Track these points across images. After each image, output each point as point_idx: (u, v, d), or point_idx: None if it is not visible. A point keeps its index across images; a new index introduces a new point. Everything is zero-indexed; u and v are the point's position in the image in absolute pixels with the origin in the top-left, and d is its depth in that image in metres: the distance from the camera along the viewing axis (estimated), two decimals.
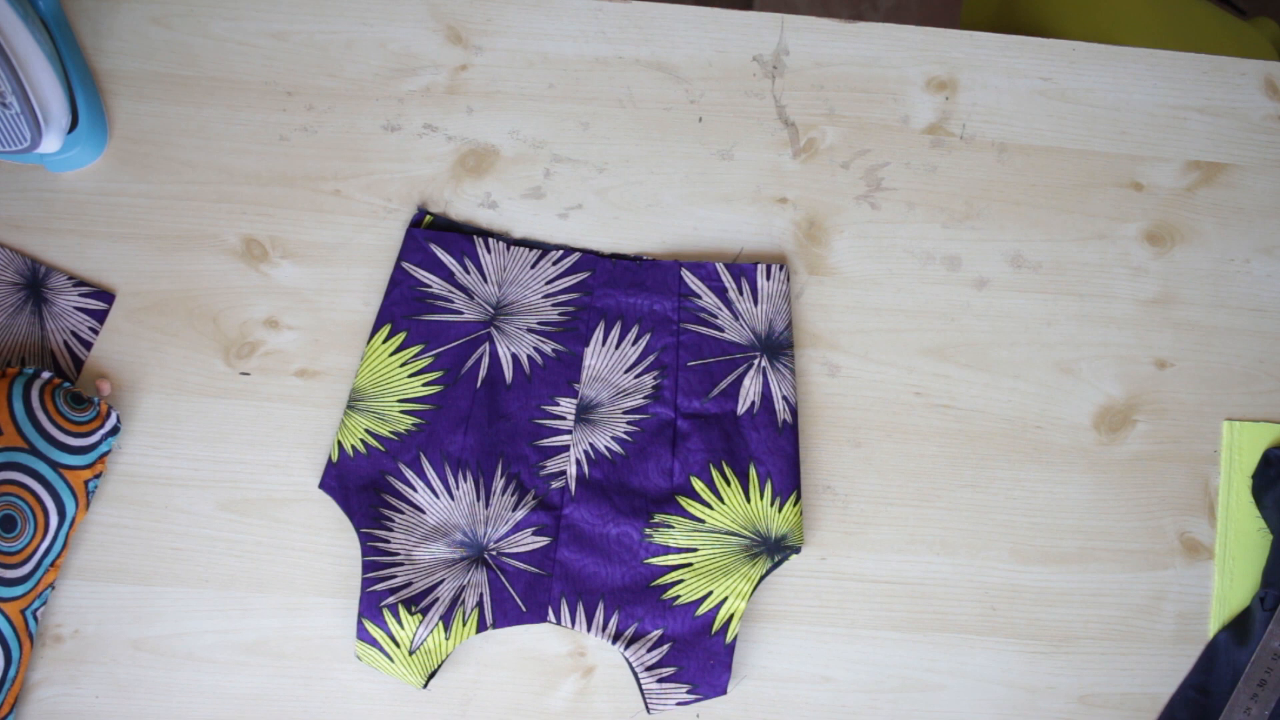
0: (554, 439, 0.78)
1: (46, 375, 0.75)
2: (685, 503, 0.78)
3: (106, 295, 0.79)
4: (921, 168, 0.84)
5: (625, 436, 0.79)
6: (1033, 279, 0.83)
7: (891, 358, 0.82)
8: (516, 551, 0.77)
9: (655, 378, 0.79)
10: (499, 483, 0.78)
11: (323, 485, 0.78)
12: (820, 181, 0.83)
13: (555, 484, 0.78)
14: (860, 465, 0.81)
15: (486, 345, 0.79)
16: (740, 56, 0.84)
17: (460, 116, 0.82)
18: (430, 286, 0.79)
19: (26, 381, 0.74)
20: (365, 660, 0.77)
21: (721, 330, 0.79)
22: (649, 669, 0.77)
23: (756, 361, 0.79)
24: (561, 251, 0.80)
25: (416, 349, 0.79)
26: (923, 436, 0.81)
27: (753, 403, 0.79)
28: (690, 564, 0.77)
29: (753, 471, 0.78)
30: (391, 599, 0.76)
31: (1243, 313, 0.84)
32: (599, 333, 0.79)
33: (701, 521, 0.78)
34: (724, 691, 0.77)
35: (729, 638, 0.77)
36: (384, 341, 0.79)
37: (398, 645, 0.76)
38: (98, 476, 0.77)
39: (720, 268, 0.80)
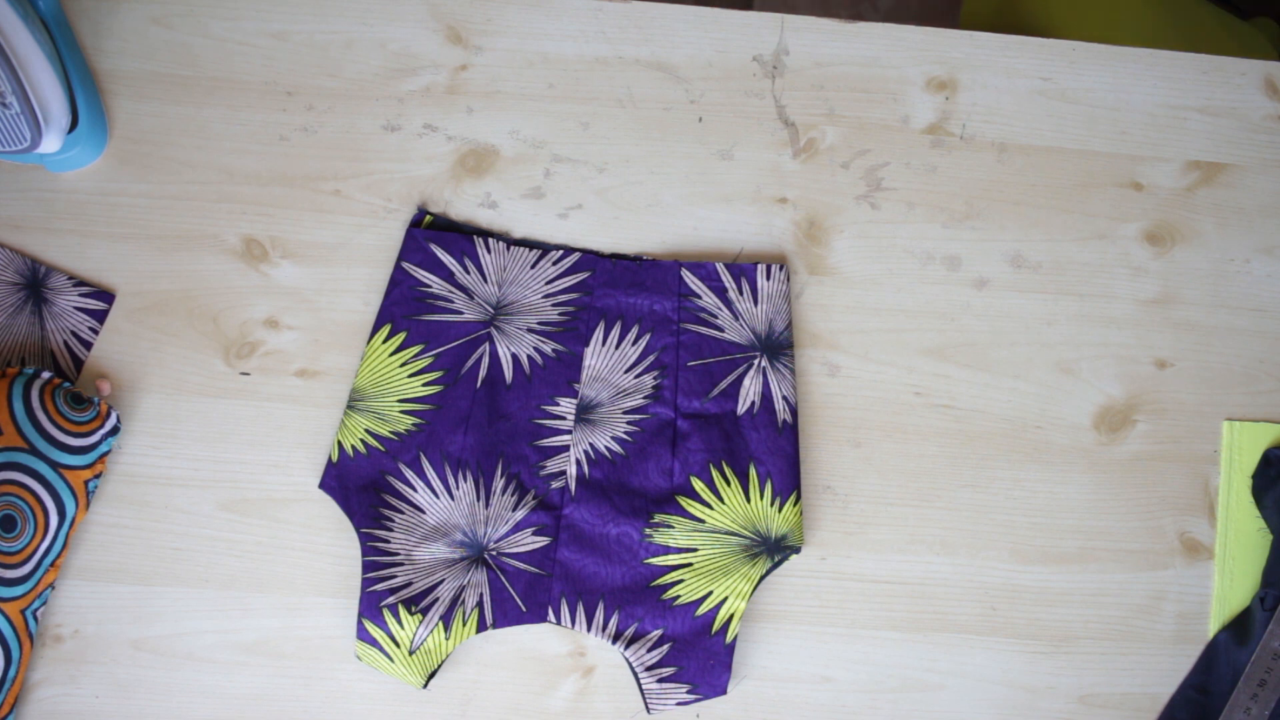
0: (554, 439, 0.78)
1: (46, 375, 0.75)
2: (685, 503, 0.78)
3: (106, 295, 0.79)
4: (921, 168, 0.84)
5: (625, 436, 0.79)
6: (1033, 279, 0.83)
7: (891, 358, 0.82)
8: (516, 551, 0.77)
9: (655, 378, 0.79)
10: (499, 483, 0.78)
11: (323, 485, 0.78)
12: (820, 181, 0.83)
13: (555, 484, 0.78)
14: (860, 465, 0.81)
15: (486, 345, 0.79)
16: (740, 56, 0.84)
17: (460, 116, 0.82)
18: (430, 286, 0.79)
19: (26, 381, 0.74)
20: (365, 660, 0.77)
21: (721, 330, 0.79)
22: (649, 669, 0.77)
23: (756, 361, 0.79)
24: (561, 251, 0.80)
25: (416, 349, 0.79)
26: (923, 436, 0.81)
27: (753, 403, 0.79)
28: (690, 564, 0.77)
29: (753, 471, 0.78)
30: (391, 599, 0.76)
31: (1243, 313, 0.84)
32: (599, 333, 0.79)
33: (701, 521, 0.78)
34: (724, 691, 0.77)
35: (729, 638, 0.77)
36: (384, 341, 0.79)
37: (398, 645, 0.76)
38: (98, 476, 0.76)
39: (720, 268, 0.80)
